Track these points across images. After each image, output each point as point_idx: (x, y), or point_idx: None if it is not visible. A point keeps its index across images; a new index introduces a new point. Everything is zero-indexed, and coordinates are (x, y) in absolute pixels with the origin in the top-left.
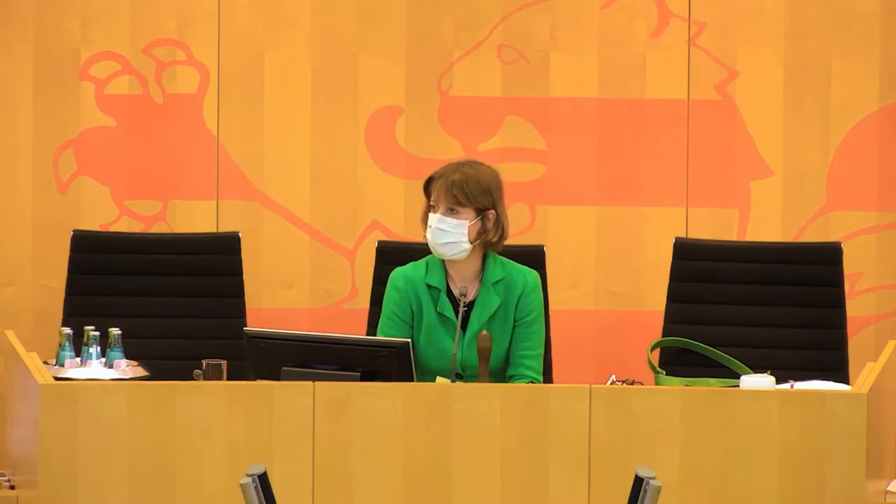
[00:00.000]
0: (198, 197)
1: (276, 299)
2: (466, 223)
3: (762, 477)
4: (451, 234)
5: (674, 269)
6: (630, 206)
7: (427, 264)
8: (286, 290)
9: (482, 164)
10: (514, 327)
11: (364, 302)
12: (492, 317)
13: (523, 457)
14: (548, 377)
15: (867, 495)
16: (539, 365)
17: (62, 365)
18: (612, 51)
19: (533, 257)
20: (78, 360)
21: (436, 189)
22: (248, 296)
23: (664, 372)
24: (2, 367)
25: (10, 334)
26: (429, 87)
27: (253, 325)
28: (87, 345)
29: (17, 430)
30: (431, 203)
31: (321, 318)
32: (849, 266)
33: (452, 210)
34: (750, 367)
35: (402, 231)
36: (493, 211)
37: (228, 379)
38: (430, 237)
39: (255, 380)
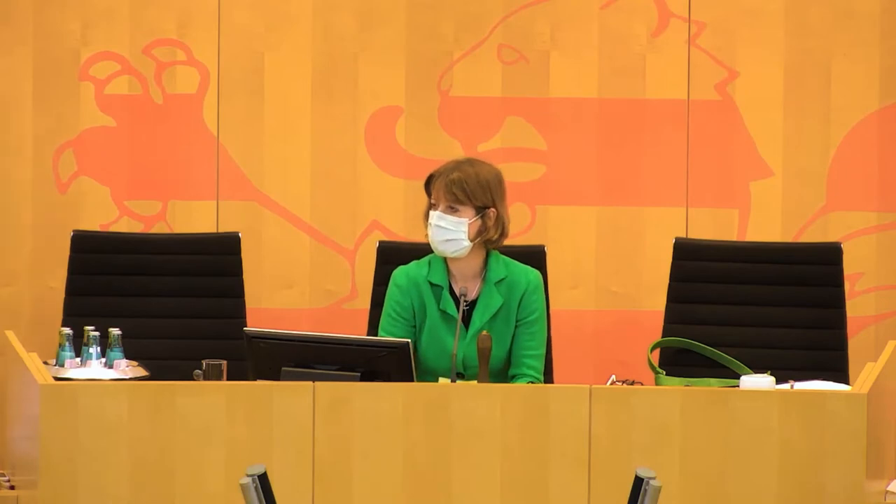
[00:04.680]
0: (198, 197)
1: (276, 299)
2: (466, 221)
3: (762, 477)
4: (450, 232)
5: (674, 270)
6: (630, 206)
7: (429, 262)
8: (286, 290)
9: (483, 163)
10: (515, 327)
11: (364, 302)
12: (494, 316)
13: (523, 457)
14: (548, 377)
15: (867, 495)
16: (540, 365)
17: (62, 365)
18: (612, 51)
19: (533, 257)
20: (78, 360)
21: (436, 187)
22: (248, 296)
23: (664, 372)
24: (2, 367)
25: (10, 334)
26: (429, 87)
27: (253, 325)
28: (87, 345)
29: (17, 430)
30: (432, 201)
31: (321, 318)
32: (849, 266)
33: (452, 208)
34: (750, 367)
35: (402, 231)
36: (493, 209)
37: (228, 379)
38: (431, 235)
39: (255, 380)
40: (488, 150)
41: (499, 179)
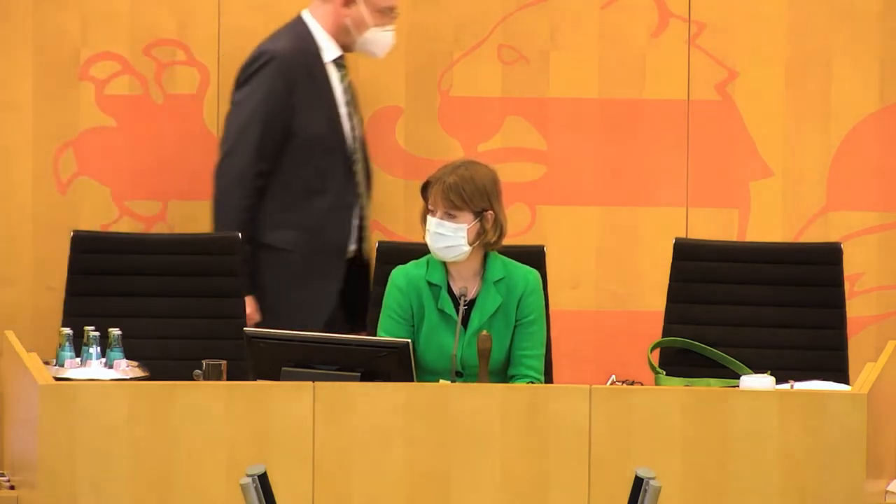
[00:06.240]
0: (198, 197)
1: None
2: (465, 226)
3: (762, 477)
4: (449, 238)
5: (674, 270)
6: (630, 206)
7: (428, 262)
8: None
9: (478, 165)
10: (515, 327)
11: None
12: (492, 315)
13: (523, 457)
14: (548, 377)
15: (867, 495)
16: (540, 365)
17: (62, 365)
18: (612, 51)
19: (533, 257)
20: (78, 360)
21: (433, 193)
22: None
23: (664, 372)
24: (2, 367)
25: (10, 334)
26: (429, 87)
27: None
28: (87, 345)
29: (16, 430)
30: (430, 207)
31: None
32: (849, 266)
33: (450, 214)
34: (750, 367)
35: (402, 231)
36: (490, 212)
37: (228, 379)
38: (429, 241)
39: (255, 380)
40: (488, 150)
41: (494, 181)
